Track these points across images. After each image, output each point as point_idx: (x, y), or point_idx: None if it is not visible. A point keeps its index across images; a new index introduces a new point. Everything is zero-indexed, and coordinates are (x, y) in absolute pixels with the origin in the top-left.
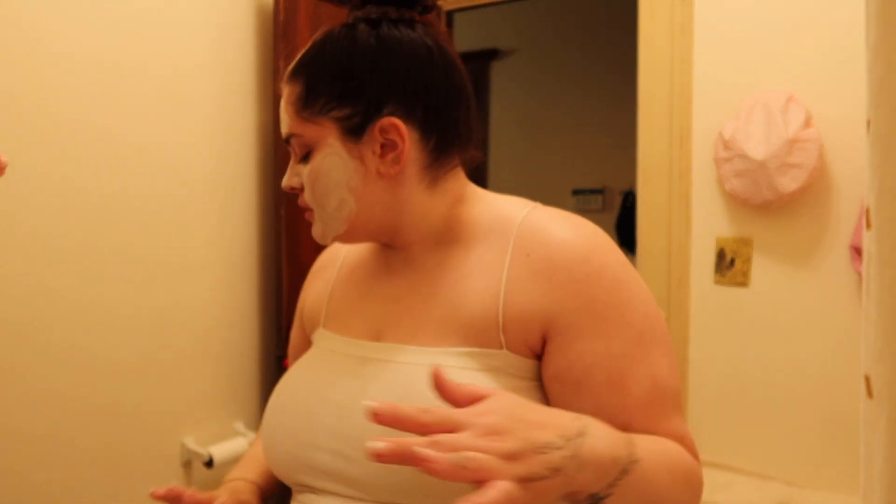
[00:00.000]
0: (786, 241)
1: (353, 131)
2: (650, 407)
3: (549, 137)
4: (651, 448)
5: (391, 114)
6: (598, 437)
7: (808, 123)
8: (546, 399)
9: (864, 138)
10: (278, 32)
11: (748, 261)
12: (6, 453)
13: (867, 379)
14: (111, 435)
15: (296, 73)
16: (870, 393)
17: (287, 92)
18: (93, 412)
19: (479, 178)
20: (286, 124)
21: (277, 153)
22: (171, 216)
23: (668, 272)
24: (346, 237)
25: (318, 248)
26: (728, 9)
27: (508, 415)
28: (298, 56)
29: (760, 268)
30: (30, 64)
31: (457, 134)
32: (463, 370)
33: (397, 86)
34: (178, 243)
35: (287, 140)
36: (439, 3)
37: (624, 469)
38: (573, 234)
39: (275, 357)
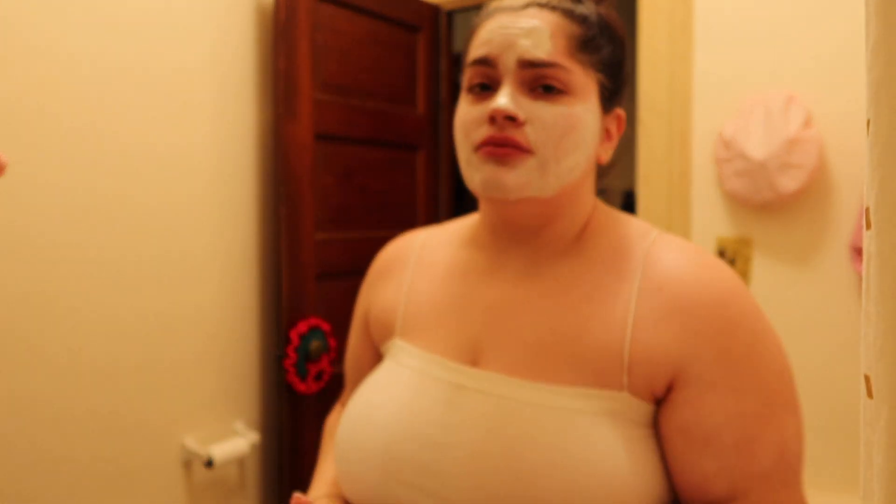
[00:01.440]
0: (786, 241)
1: (607, 102)
2: (774, 476)
3: None
4: None
5: (621, 104)
6: None
7: (808, 123)
8: (659, 449)
9: (864, 138)
10: (278, 32)
11: (748, 261)
12: (7, 453)
13: (867, 379)
14: (112, 435)
15: (573, 12)
16: (870, 393)
17: (556, 21)
18: (93, 412)
19: None
20: (552, 50)
21: (277, 153)
22: (171, 216)
23: None
24: (539, 204)
25: (318, 249)
26: (728, 9)
27: None
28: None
29: (760, 268)
30: (30, 66)
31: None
32: (580, 414)
33: (628, 82)
34: (179, 243)
35: (536, 65)
36: (440, 3)
37: None
38: (710, 273)
39: (275, 357)
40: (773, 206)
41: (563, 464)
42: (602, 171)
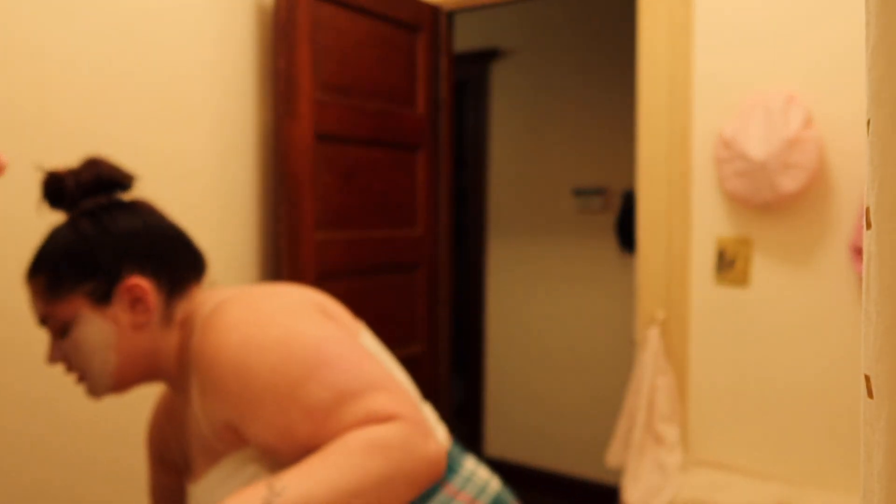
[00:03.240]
0: (786, 241)
1: (101, 298)
2: (319, 431)
3: (549, 137)
4: (307, 464)
5: (129, 275)
6: None
7: (808, 123)
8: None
9: (865, 138)
10: (278, 32)
11: (748, 261)
12: (8, 453)
13: (867, 379)
14: (113, 435)
15: (34, 270)
16: (870, 393)
17: (32, 288)
18: (94, 413)
19: (480, 179)
20: (39, 313)
21: (278, 153)
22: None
23: (668, 272)
24: (117, 389)
25: (318, 251)
26: (728, 9)
27: None
28: (31, 261)
29: (760, 268)
30: (30, 67)
31: (185, 266)
32: (220, 485)
33: (125, 252)
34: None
35: (44, 324)
36: (440, 3)
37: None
38: (208, 348)
39: None
40: (773, 206)
41: None
42: (177, 287)
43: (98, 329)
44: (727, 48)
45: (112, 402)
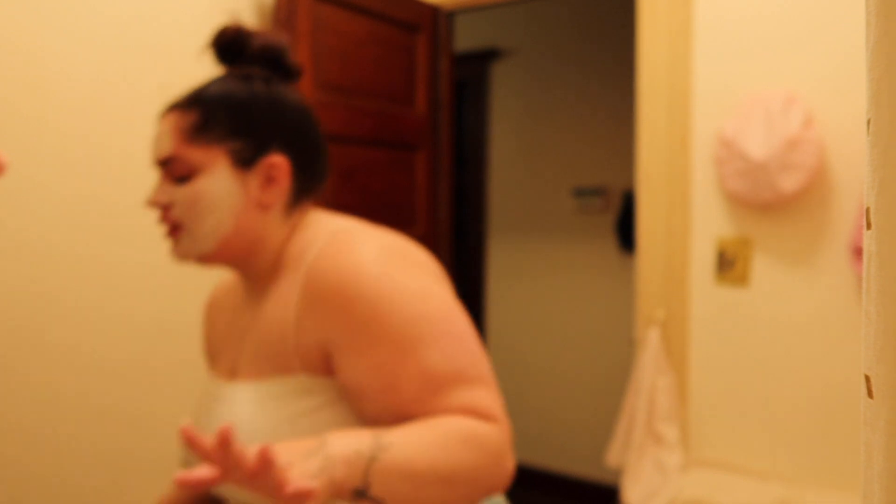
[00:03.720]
0: (786, 241)
1: (244, 162)
2: (426, 397)
3: (549, 138)
4: (412, 430)
5: (277, 152)
6: (335, 441)
7: (808, 124)
8: (345, 410)
9: (865, 138)
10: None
11: (748, 261)
12: (9, 453)
13: (867, 379)
14: (112, 435)
15: (189, 104)
16: (870, 393)
17: (174, 119)
18: (95, 413)
19: (480, 179)
20: (168, 148)
21: None
22: None
23: (668, 272)
24: (209, 258)
25: None
26: (728, 9)
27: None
28: (185, 94)
29: (760, 268)
30: (30, 69)
31: (318, 176)
32: (271, 400)
33: (283, 130)
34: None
35: (164, 162)
36: (440, 3)
37: (371, 457)
38: (344, 261)
39: None
40: (773, 206)
41: (259, 443)
42: (300, 198)
43: (228, 189)
44: (727, 48)
45: (116, 402)
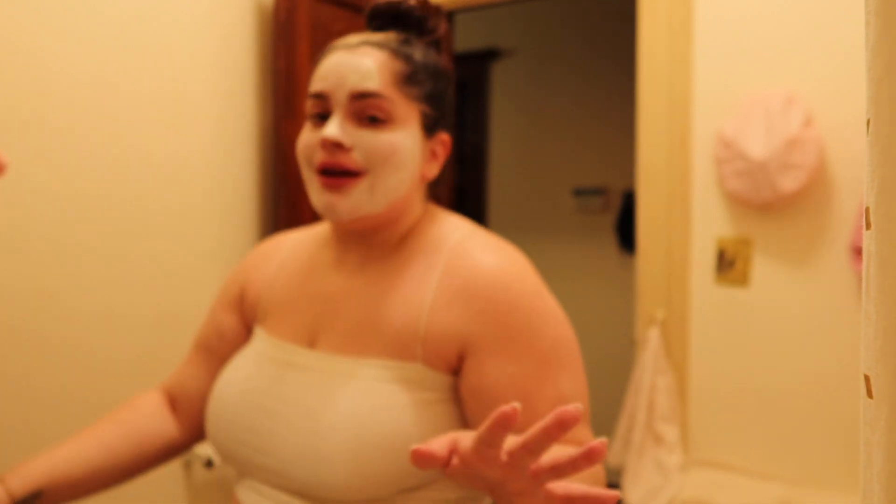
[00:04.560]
0: (786, 241)
1: (429, 129)
2: None
3: (549, 138)
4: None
5: (445, 129)
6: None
7: (808, 123)
8: (456, 413)
9: (864, 138)
10: (278, 32)
11: (748, 261)
12: (8, 454)
13: (867, 379)
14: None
15: (399, 52)
16: (870, 393)
17: (384, 58)
18: (96, 412)
19: (480, 179)
20: (378, 83)
21: (278, 154)
22: (172, 217)
23: (668, 272)
24: (370, 220)
25: None
26: (728, 9)
27: None
28: (395, 40)
29: (760, 268)
30: (30, 68)
31: (449, 165)
32: (376, 381)
33: (451, 110)
34: (180, 244)
35: (362, 96)
36: (440, 3)
37: None
38: (497, 262)
39: None
40: (773, 206)
41: (354, 422)
42: (436, 181)
43: (417, 150)
44: (727, 48)
45: (115, 403)
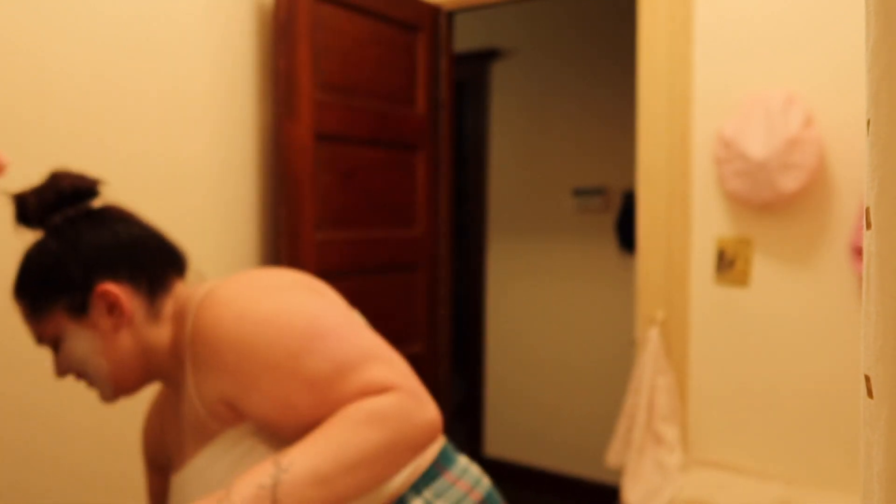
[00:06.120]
0: (786, 241)
1: (78, 309)
2: (322, 401)
3: (548, 137)
4: (311, 438)
5: (100, 282)
6: (238, 485)
7: (808, 123)
8: (273, 440)
9: (865, 138)
10: (278, 32)
11: (748, 261)
12: (6, 454)
13: (867, 379)
14: (112, 436)
15: (16, 294)
16: (870, 393)
17: (20, 310)
18: (96, 415)
19: (480, 179)
20: (33, 333)
21: (278, 153)
22: (172, 217)
23: (668, 272)
24: (120, 391)
25: (318, 251)
26: (728, 9)
27: None
28: (13, 285)
29: (760, 268)
30: (30, 69)
31: (163, 265)
32: (214, 463)
33: (93, 263)
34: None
35: (41, 342)
36: (440, 3)
37: (275, 483)
38: (203, 328)
39: None
40: (773, 206)
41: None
42: (156, 283)
43: (82, 339)
44: (727, 48)
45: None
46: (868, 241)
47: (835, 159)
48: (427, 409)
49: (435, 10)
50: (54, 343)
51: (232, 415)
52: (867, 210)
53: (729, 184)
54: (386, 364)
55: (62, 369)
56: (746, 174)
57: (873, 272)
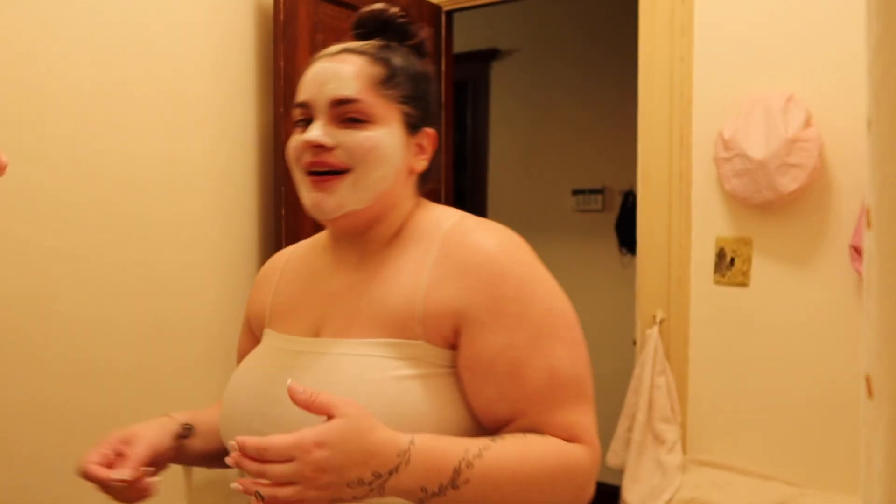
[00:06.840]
0: (786, 241)
1: (412, 127)
2: (546, 396)
3: (548, 137)
4: (511, 444)
5: (430, 125)
6: (411, 471)
7: (808, 123)
8: (459, 386)
9: (865, 138)
10: (278, 32)
11: (748, 261)
12: (8, 454)
13: (867, 379)
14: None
15: (378, 57)
16: (870, 393)
17: (360, 64)
18: (94, 415)
19: (480, 179)
20: (355, 89)
21: (278, 154)
22: (172, 218)
23: (668, 272)
24: (358, 215)
25: None
26: (728, 9)
27: (337, 449)
28: (373, 45)
29: (760, 268)
30: (30, 70)
31: (440, 157)
32: (383, 359)
33: (436, 107)
34: (179, 245)
35: (341, 102)
36: (440, 3)
37: (439, 490)
38: (488, 239)
39: None
40: (773, 206)
41: (362, 394)
42: (426, 177)
43: (398, 146)
44: (727, 48)
45: (114, 406)
46: (868, 241)
47: (835, 159)
48: (593, 484)
49: (435, 10)
50: (364, 117)
51: (446, 334)
52: (867, 210)
53: (729, 184)
54: (594, 414)
55: (334, 141)
56: (746, 174)
57: (874, 272)
